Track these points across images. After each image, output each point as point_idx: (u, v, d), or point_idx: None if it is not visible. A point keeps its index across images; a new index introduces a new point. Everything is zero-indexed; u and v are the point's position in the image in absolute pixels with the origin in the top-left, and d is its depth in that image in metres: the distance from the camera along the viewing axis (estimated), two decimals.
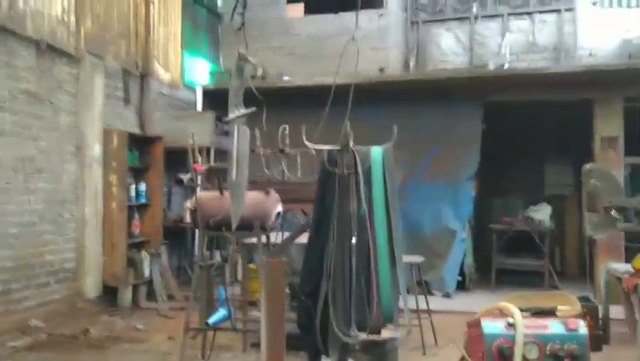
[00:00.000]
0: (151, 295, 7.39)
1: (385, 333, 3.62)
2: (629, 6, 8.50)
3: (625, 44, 8.40)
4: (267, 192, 4.54)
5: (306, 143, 3.71)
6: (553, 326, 3.06)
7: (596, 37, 8.53)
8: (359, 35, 3.60)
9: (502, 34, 8.78)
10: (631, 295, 4.31)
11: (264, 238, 4.66)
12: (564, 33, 8.60)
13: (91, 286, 6.79)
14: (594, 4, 8.59)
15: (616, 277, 4.61)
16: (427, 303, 5.76)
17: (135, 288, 7.21)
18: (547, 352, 2.88)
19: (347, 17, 9.28)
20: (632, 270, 4.13)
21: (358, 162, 3.49)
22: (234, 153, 3.34)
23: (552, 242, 9.32)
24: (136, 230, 7.38)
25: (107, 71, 7.16)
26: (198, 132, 5.14)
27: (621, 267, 4.69)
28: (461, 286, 8.52)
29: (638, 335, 3.77)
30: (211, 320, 4.52)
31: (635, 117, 8.28)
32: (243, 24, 3.35)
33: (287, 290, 4.15)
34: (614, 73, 7.94)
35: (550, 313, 3.65)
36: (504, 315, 3.54)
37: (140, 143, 7.67)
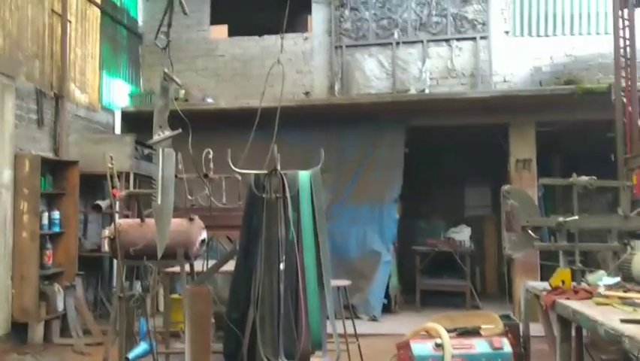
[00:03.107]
0: (65, 330, 7.00)
1: (314, 360, 3.57)
2: (538, 35, 9.01)
3: (536, 72, 8.90)
4: (191, 219, 4.40)
5: (233, 167, 3.63)
6: (479, 346, 3.13)
7: (510, 65, 8.98)
8: (284, 58, 3.58)
9: (423, 59, 9.06)
10: (549, 312, 4.47)
11: (187, 267, 4.49)
12: (480, 60, 8.99)
13: None
14: (507, 32, 9.04)
15: (534, 294, 4.77)
16: (354, 327, 5.74)
17: (48, 323, 6.80)
18: None
19: (272, 40, 9.30)
20: (549, 287, 4.28)
21: (286, 186, 3.45)
22: (160, 177, 3.21)
23: (472, 262, 9.60)
24: (49, 261, 6.97)
25: (18, 92, 6.78)
26: (117, 156, 4.92)
27: (539, 285, 4.86)
28: (387, 309, 8.59)
29: (557, 352, 3.90)
30: (131, 355, 4.30)
31: (546, 140, 8.74)
32: (168, 42, 3.24)
33: (212, 320, 4.01)
34: (526, 99, 8.37)
35: (474, 332, 3.73)
36: (431, 336, 3.58)
37: (54, 168, 7.30)
